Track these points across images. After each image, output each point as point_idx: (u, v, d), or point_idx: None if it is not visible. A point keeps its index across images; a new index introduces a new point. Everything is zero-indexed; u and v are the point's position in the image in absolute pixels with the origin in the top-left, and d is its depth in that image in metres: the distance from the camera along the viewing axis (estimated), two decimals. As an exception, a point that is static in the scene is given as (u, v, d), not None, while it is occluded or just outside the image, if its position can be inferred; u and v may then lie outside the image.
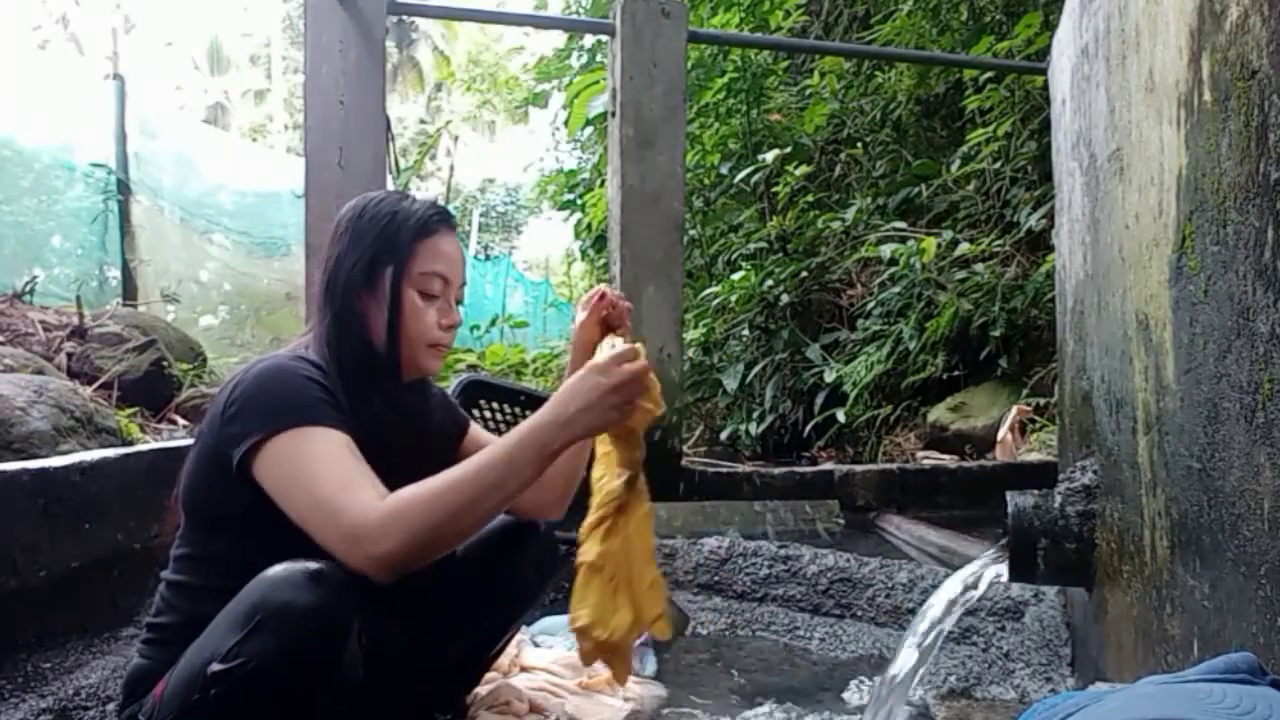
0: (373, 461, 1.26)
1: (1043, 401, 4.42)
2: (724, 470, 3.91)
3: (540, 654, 2.06)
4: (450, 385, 2.76)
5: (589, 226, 7.97)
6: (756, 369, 6.24)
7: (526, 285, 14.30)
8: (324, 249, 1.44)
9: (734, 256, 6.82)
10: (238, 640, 1.10)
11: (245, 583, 1.16)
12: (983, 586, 1.71)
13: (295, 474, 1.21)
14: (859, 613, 2.40)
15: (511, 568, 1.59)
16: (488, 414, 2.90)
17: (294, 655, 1.10)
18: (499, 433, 2.92)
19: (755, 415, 6.28)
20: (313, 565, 1.14)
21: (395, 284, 1.37)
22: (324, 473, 1.20)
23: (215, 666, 1.10)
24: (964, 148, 5.62)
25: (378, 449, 1.29)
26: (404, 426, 1.40)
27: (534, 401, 2.97)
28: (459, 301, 1.46)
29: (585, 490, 1.44)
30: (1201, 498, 1.03)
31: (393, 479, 1.26)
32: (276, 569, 1.14)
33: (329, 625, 1.13)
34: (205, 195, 6.91)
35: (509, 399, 2.93)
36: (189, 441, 2.69)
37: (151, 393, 3.79)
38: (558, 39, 9.34)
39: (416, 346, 1.40)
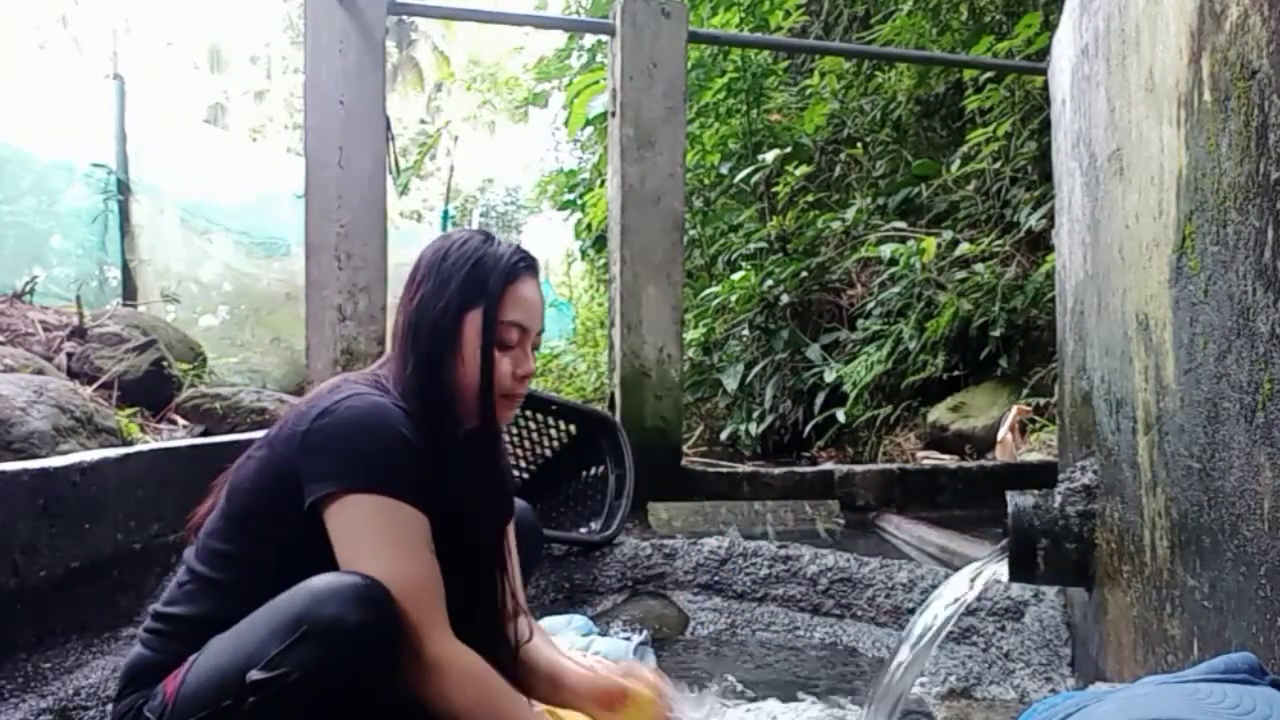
0: (436, 510, 1.26)
1: (1043, 401, 4.42)
2: (724, 470, 3.91)
3: (540, 654, 2.05)
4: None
5: (589, 226, 7.97)
6: (756, 369, 6.24)
7: (526, 285, 14.25)
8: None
9: (734, 256, 6.82)
10: (280, 650, 1.08)
11: (276, 593, 1.15)
12: (979, 586, 1.71)
13: (371, 547, 1.20)
14: (859, 613, 2.40)
15: None
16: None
17: (340, 671, 1.09)
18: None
19: (755, 415, 6.28)
20: (360, 580, 1.14)
21: (487, 334, 1.33)
22: (401, 562, 1.20)
23: (255, 675, 1.08)
24: (964, 148, 5.62)
25: (444, 498, 1.29)
26: (472, 475, 1.38)
27: (533, 401, 2.97)
28: (535, 347, 1.43)
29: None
30: (1201, 498, 1.03)
31: (453, 527, 1.29)
32: (323, 580, 1.14)
33: (376, 642, 1.12)
34: (205, 195, 6.89)
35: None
36: (190, 442, 2.69)
37: (151, 393, 3.79)
38: (558, 39, 9.34)
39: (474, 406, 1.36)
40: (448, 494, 1.30)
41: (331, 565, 1.19)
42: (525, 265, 1.39)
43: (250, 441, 1.37)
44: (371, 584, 1.14)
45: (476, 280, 1.33)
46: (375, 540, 1.20)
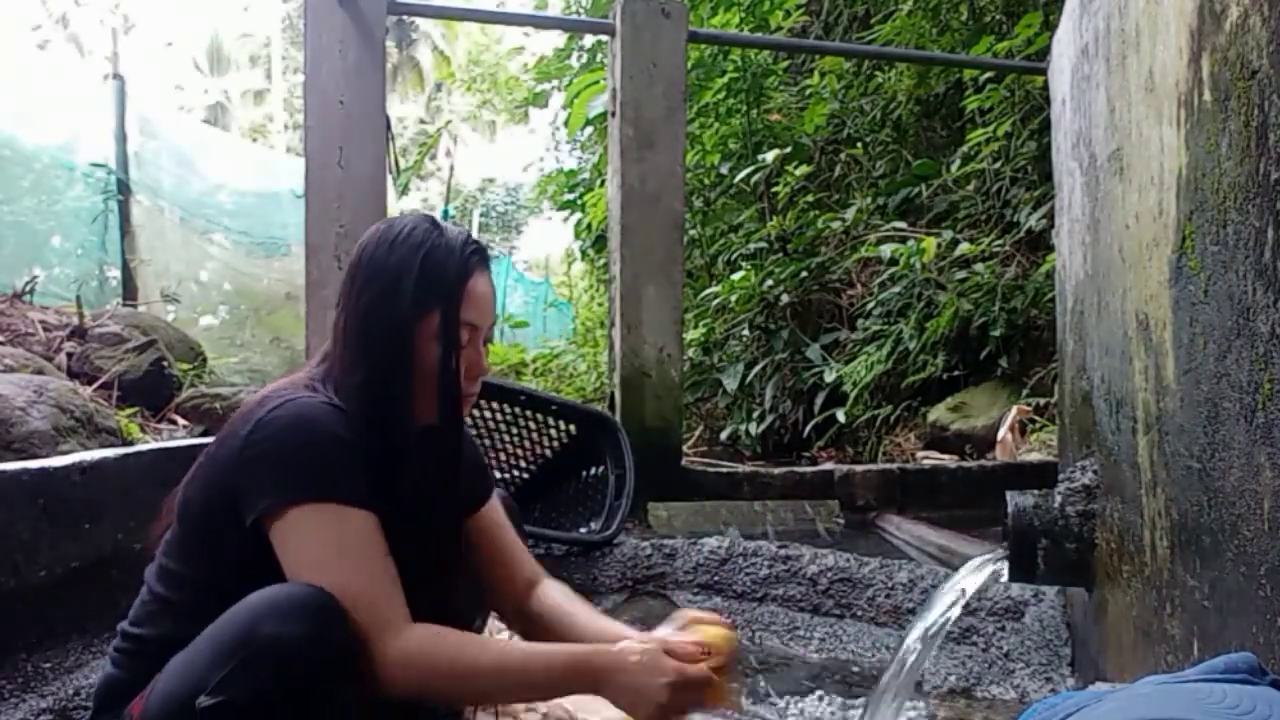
0: (389, 519, 1.23)
1: (1043, 401, 4.42)
2: (724, 470, 3.91)
3: (540, 654, 2.05)
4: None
5: (589, 226, 7.97)
6: (756, 369, 6.24)
7: (526, 285, 14.30)
8: (339, 282, 1.31)
9: (734, 256, 6.82)
10: (225, 675, 1.05)
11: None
12: (979, 583, 1.71)
13: (318, 558, 1.16)
14: (859, 613, 2.40)
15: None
16: (487, 414, 2.90)
17: (286, 690, 1.07)
18: (499, 433, 2.93)
19: (755, 415, 6.28)
20: (300, 591, 1.11)
21: (447, 344, 1.26)
22: (351, 569, 1.16)
23: (204, 701, 1.05)
24: (964, 148, 5.62)
25: (395, 502, 1.25)
26: (428, 470, 1.33)
27: (533, 401, 2.97)
28: (488, 340, 1.36)
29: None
30: (1201, 498, 1.03)
31: (408, 521, 1.25)
32: (262, 596, 1.10)
33: (321, 657, 1.09)
34: (205, 195, 6.90)
35: (509, 399, 2.93)
36: (190, 442, 2.69)
37: (151, 393, 3.79)
38: (558, 39, 9.34)
39: (430, 405, 1.30)
40: (399, 489, 1.27)
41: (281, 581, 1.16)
42: (479, 258, 1.31)
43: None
44: (313, 593, 1.11)
45: (429, 281, 1.26)
46: (320, 551, 1.16)
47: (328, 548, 1.17)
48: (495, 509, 1.51)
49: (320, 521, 1.18)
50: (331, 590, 1.13)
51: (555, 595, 1.46)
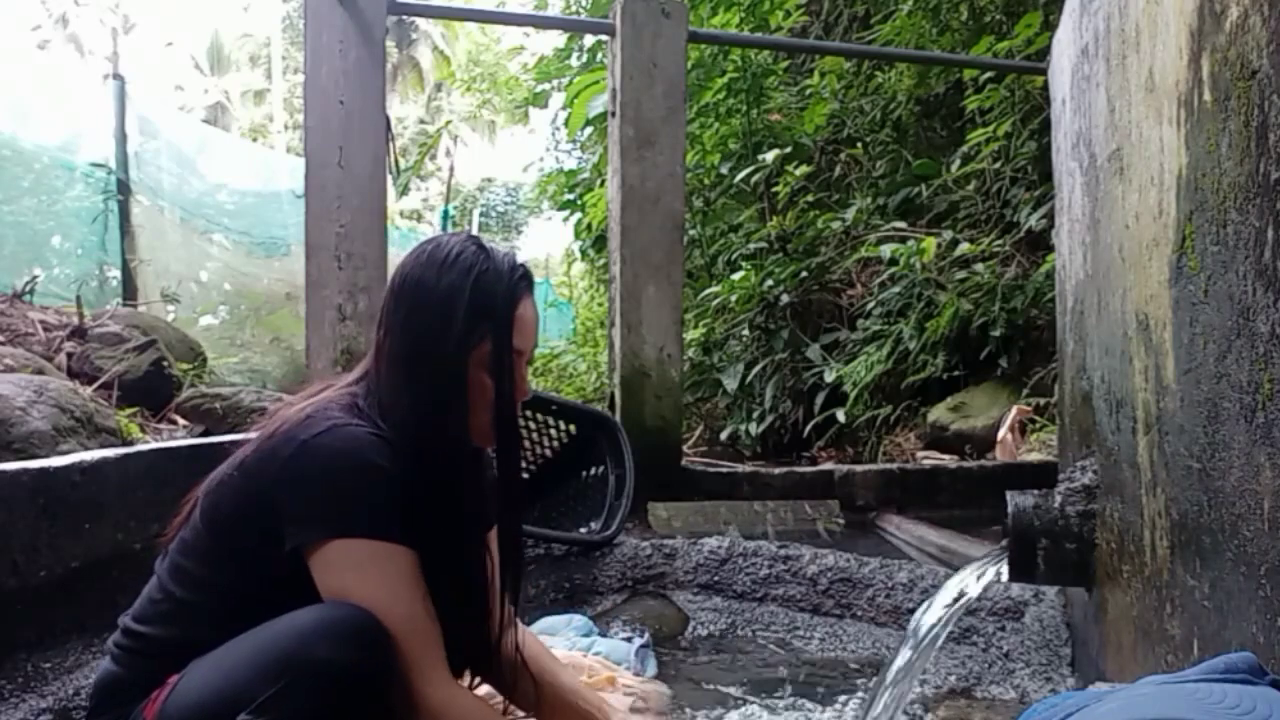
0: (426, 546, 1.23)
1: (1043, 401, 4.42)
2: (724, 470, 3.91)
3: (540, 654, 2.05)
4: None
5: (589, 226, 7.97)
6: (756, 369, 6.24)
7: (526, 285, 14.24)
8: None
9: (734, 256, 6.82)
10: (270, 695, 1.05)
11: (251, 620, 1.12)
12: (980, 585, 1.71)
13: (361, 593, 1.15)
14: (859, 613, 2.40)
15: None
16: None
17: (332, 714, 1.07)
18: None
19: (755, 415, 6.28)
20: (350, 614, 1.11)
21: (500, 374, 1.25)
22: (394, 606, 1.16)
23: (246, 718, 1.05)
24: (964, 148, 5.62)
25: (435, 528, 1.25)
26: (471, 494, 1.33)
27: (533, 401, 2.97)
28: (530, 361, 1.34)
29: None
30: (1201, 498, 1.03)
31: (442, 547, 1.26)
32: (311, 616, 1.10)
33: (368, 685, 1.09)
34: (205, 195, 6.90)
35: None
36: (190, 442, 2.69)
37: (151, 393, 3.79)
38: (558, 39, 9.33)
39: (478, 429, 1.30)
40: (442, 515, 1.26)
41: (315, 598, 1.16)
42: (526, 283, 1.29)
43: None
44: (366, 618, 1.11)
45: (482, 309, 1.23)
46: (366, 588, 1.15)
47: (372, 585, 1.16)
48: (492, 539, 1.49)
49: (365, 558, 1.17)
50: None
51: (534, 647, 1.47)
